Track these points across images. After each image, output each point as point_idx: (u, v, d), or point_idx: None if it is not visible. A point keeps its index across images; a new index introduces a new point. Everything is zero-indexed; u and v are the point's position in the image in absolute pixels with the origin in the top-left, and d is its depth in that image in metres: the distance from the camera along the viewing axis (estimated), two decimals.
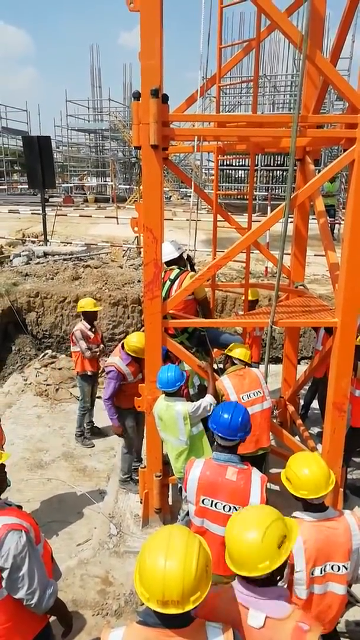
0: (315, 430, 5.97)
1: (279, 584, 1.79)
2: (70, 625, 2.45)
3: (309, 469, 2.34)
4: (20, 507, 2.40)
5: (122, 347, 4.84)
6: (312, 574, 2.31)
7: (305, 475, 2.34)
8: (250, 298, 5.52)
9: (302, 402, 6.36)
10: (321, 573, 2.32)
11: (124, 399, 4.69)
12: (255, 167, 19.89)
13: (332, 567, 2.32)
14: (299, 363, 6.53)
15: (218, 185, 5.18)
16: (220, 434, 2.66)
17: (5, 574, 2.07)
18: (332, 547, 2.30)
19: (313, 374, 5.52)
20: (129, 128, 24.94)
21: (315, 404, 6.34)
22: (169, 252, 4.49)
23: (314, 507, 2.38)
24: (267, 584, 1.72)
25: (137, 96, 3.54)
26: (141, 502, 4.41)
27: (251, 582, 1.73)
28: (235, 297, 8.52)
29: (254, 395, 4.07)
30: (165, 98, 3.55)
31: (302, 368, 6.19)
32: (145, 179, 3.67)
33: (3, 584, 2.09)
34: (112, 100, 25.12)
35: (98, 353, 5.93)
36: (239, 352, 4.22)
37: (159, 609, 1.49)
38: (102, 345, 6.12)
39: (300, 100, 3.75)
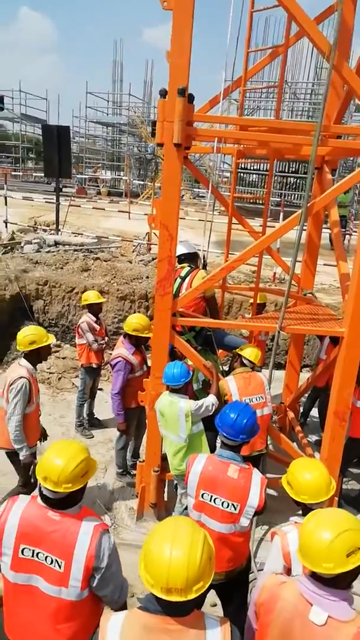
0: (313, 438, 6.00)
1: None
2: None
3: (310, 474, 2.37)
4: None
5: (124, 337, 4.90)
6: None
7: (306, 480, 2.37)
8: (258, 301, 5.55)
9: (301, 409, 6.38)
10: None
11: (130, 396, 4.70)
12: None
13: None
14: (300, 371, 6.56)
15: (233, 190, 5.20)
16: (224, 434, 2.69)
17: (99, 574, 2.09)
18: None
19: (315, 383, 5.56)
20: (146, 124, 24.96)
21: (314, 412, 6.36)
22: (182, 248, 4.53)
23: None
24: (333, 585, 1.72)
25: (163, 94, 3.58)
26: (137, 496, 4.46)
27: (318, 580, 1.74)
28: (242, 301, 8.55)
29: (256, 400, 4.11)
30: (191, 98, 3.59)
31: (303, 376, 6.22)
32: (165, 176, 3.71)
33: (94, 583, 2.10)
34: (132, 95, 25.19)
35: (104, 345, 5.97)
36: (249, 352, 4.28)
37: (162, 595, 1.53)
38: (107, 338, 6.16)
39: (323, 109, 3.78)
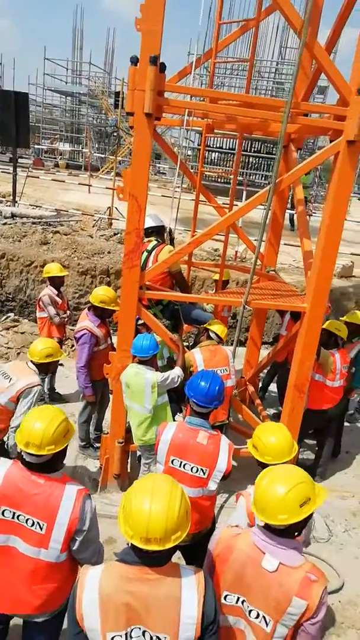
0: (271, 411, 6.21)
1: None
2: None
3: (275, 437, 2.48)
4: None
5: (89, 309, 4.86)
6: None
7: (271, 442, 2.47)
8: (224, 278, 5.64)
9: (261, 384, 6.58)
10: None
11: (95, 369, 4.68)
12: (232, 151, 19.89)
13: None
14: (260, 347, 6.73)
15: (201, 165, 5.17)
16: (196, 401, 2.76)
17: (80, 537, 2.13)
18: None
19: (275, 358, 5.73)
20: (107, 95, 24.24)
21: (272, 386, 6.58)
22: (149, 221, 4.51)
23: None
24: (285, 535, 1.86)
25: (134, 61, 3.50)
26: (101, 468, 4.49)
27: (271, 531, 1.87)
28: (204, 278, 8.62)
29: (220, 372, 4.21)
30: (162, 67, 3.53)
31: (262, 352, 6.40)
32: (136, 147, 3.65)
33: (74, 546, 2.14)
34: (92, 64, 24.26)
35: (66, 319, 5.89)
36: (217, 327, 4.40)
37: (142, 545, 1.59)
38: (69, 312, 6.08)
39: (294, 86, 3.82)
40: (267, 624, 1.85)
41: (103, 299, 4.70)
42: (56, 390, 6.19)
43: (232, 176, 5.21)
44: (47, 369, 4.04)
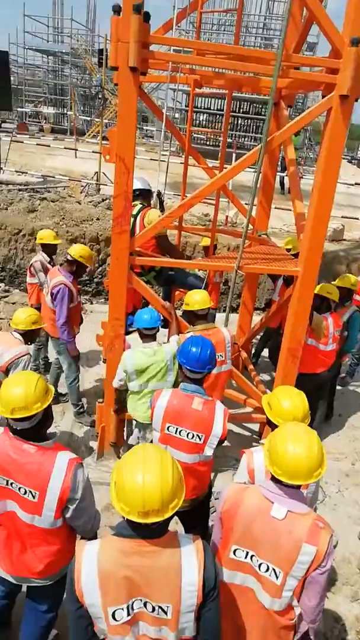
0: (263, 377, 6.23)
1: None
2: None
3: (292, 403, 2.34)
4: None
5: (61, 265, 4.89)
6: None
7: (286, 407, 2.34)
8: (215, 243, 5.53)
9: (253, 350, 6.57)
10: None
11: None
12: (221, 112, 19.33)
13: None
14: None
15: (190, 124, 4.95)
16: (189, 367, 2.72)
17: (73, 505, 2.15)
18: None
19: (268, 324, 5.70)
20: (91, 54, 23.28)
21: (265, 352, 6.58)
22: (137, 183, 4.36)
23: None
24: (294, 487, 1.90)
25: (117, 10, 3.28)
26: (97, 436, 4.50)
27: (280, 482, 1.90)
28: (195, 243, 8.49)
29: (217, 358, 4.04)
30: (147, 16, 3.32)
31: (255, 318, 6.37)
32: (121, 104, 3.48)
33: (67, 514, 2.16)
34: (74, 20, 23.19)
35: None
36: (198, 299, 3.79)
37: (140, 519, 1.56)
38: None
39: (284, 38, 3.62)
40: (277, 577, 1.88)
41: (82, 253, 4.73)
42: (49, 360, 6.14)
43: (221, 137, 5.02)
44: (32, 337, 4.01)
